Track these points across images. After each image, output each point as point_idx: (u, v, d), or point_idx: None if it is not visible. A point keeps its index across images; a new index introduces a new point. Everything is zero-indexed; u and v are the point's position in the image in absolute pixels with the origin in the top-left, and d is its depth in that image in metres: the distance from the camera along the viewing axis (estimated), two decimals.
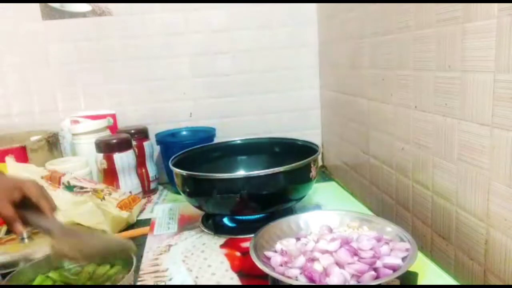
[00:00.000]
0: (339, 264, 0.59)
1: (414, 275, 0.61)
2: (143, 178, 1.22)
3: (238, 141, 1.08)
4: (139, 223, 1.01)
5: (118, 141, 1.12)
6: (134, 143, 1.19)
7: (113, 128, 1.28)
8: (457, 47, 0.66)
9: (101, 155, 1.12)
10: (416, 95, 0.80)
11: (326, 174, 1.41)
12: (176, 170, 0.85)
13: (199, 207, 0.87)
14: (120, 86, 1.33)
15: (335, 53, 1.25)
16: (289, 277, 0.58)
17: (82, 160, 1.13)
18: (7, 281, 0.63)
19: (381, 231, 0.68)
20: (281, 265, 0.62)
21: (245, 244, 0.78)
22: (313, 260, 0.61)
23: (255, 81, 1.39)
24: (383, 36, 0.91)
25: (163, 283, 0.69)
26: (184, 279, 0.69)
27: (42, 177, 0.96)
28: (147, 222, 0.98)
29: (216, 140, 1.24)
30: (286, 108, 1.43)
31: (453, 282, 0.63)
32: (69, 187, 0.95)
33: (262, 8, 1.34)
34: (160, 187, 1.31)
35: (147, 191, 1.23)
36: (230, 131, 1.37)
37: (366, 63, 1.01)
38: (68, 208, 0.86)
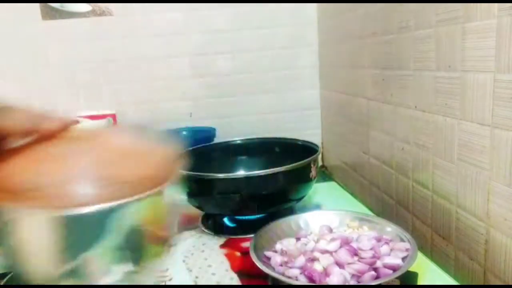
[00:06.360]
0: (339, 264, 0.59)
1: (414, 275, 0.61)
2: None
3: (238, 141, 1.08)
4: None
5: None
6: None
7: None
8: (457, 47, 0.66)
9: None
10: (416, 95, 0.79)
11: (326, 174, 1.41)
12: None
13: (199, 207, 0.87)
14: (120, 86, 1.33)
15: (335, 53, 1.25)
16: (289, 277, 0.58)
17: None
18: (5, 282, 0.63)
19: (381, 231, 0.68)
20: (281, 265, 0.62)
21: (245, 244, 0.78)
22: (313, 260, 0.60)
23: (255, 81, 1.39)
24: (383, 36, 0.91)
25: (163, 283, 0.69)
26: (184, 279, 0.69)
27: None
28: None
29: (216, 140, 1.24)
30: (286, 108, 1.43)
31: (453, 282, 0.63)
32: None
33: (262, 8, 1.34)
34: None
35: None
36: (230, 131, 1.37)
37: (366, 63, 1.01)
38: None
